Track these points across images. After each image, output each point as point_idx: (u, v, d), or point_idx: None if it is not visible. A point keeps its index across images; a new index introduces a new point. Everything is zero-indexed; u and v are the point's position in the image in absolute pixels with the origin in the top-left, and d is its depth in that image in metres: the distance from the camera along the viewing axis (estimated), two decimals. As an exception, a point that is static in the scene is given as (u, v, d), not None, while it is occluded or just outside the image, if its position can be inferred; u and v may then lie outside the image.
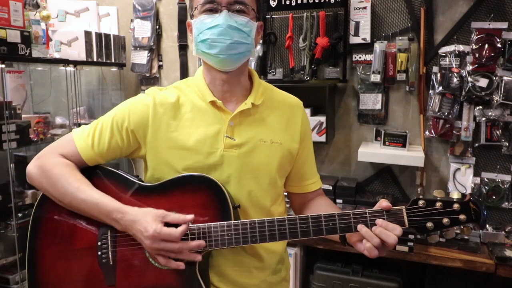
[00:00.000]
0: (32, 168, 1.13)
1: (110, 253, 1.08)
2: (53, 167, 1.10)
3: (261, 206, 1.16)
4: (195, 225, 1.03)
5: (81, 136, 1.14)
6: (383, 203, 1.02)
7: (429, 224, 0.99)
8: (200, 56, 1.13)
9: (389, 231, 0.98)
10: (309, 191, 1.29)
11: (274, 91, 1.25)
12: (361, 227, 1.00)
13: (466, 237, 2.11)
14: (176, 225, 1.00)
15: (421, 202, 1.01)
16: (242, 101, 1.15)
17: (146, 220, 1.00)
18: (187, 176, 1.08)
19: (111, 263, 1.08)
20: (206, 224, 1.03)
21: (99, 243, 1.09)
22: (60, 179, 1.08)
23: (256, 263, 1.16)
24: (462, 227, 1.00)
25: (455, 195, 1.01)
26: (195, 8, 1.10)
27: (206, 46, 1.08)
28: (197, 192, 1.07)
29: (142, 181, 1.14)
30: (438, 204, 1.00)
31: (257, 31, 1.15)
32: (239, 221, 1.03)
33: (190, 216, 1.01)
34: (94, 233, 1.10)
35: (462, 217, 0.98)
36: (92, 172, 1.15)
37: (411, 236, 2.08)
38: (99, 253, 1.09)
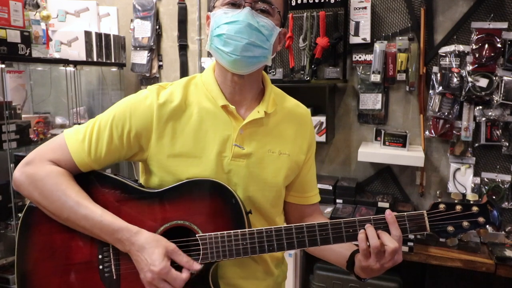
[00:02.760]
0: (19, 175, 1.01)
1: (113, 266, 1.00)
2: (46, 177, 0.99)
3: (267, 217, 1.11)
4: (206, 234, 0.97)
5: (75, 140, 1.02)
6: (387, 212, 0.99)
7: (450, 228, 0.98)
8: (212, 53, 1.04)
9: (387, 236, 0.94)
10: (309, 203, 1.21)
11: (285, 98, 1.18)
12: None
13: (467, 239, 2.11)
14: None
15: (441, 206, 0.99)
16: (253, 106, 1.08)
17: (155, 252, 0.92)
18: (194, 181, 1.01)
19: (114, 278, 1.00)
20: (218, 232, 0.97)
21: (100, 256, 1.00)
22: (56, 191, 0.98)
23: (262, 268, 1.12)
24: (480, 229, 1.00)
25: (470, 197, 0.99)
26: (220, 4, 1.02)
27: (220, 42, 0.99)
28: (206, 198, 1.00)
29: (143, 186, 1.07)
30: (458, 208, 0.98)
31: (279, 38, 1.07)
32: (254, 229, 0.97)
33: (198, 266, 0.95)
34: (94, 245, 1.01)
35: (481, 219, 0.97)
36: (87, 179, 1.04)
37: (411, 236, 2.08)
38: (101, 267, 1.00)
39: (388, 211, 0.98)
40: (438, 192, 1.03)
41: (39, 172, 1.00)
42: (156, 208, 1.01)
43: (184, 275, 0.93)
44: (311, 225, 0.97)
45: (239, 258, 0.98)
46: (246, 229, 0.97)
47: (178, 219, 1.00)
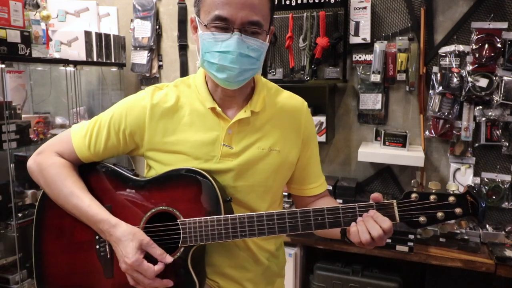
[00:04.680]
0: (32, 163, 1.15)
1: (107, 246, 1.10)
2: (50, 167, 1.11)
3: (256, 211, 1.11)
4: (186, 219, 1.04)
5: (78, 135, 1.14)
6: (374, 194, 1.00)
7: (422, 219, 0.95)
8: (205, 70, 1.09)
9: (376, 223, 0.95)
10: (311, 195, 1.25)
11: (279, 93, 1.20)
12: (352, 225, 0.99)
13: (466, 237, 2.11)
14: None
15: (413, 196, 0.96)
16: (243, 106, 1.12)
17: (130, 246, 1.00)
18: (178, 170, 1.08)
19: (108, 256, 1.10)
20: (197, 218, 1.04)
21: (97, 237, 1.10)
22: (56, 180, 1.10)
23: (248, 257, 1.17)
24: (459, 220, 0.94)
25: (452, 187, 0.94)
26: (205, 25, 1.01)
27: (213, 68, 1.03)
28: (188, 186, 1.07)
29: (137, 175, 1.15)
30: (432, 197, 0.95)
31: (268, 38, 1.08)
32: (229, 215, 1.03)
33: (170, 259, 1.02)
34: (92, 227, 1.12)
35: (458, 210, 0.93)
36: (86, 167, 1.16)
37: (411, 236, 2.08)
38: (97, 246, 1.10)
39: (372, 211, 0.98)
40: (412, 181, 1.01)
41: (45, 162, 1.13)
42: (145, 194, 1.10)
43: (157, 267, 1.01)
44: (280, 212, 1.02)
45: (221, 243, 1.07)
46: (222, 216, 1.03)
47: (163, 205, 1.08)
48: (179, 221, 1.05)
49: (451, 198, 0.94)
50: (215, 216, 1.03)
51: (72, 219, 1.12)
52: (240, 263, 1.16)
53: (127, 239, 1.01)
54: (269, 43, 1.12)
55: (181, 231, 1.04)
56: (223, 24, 0.99)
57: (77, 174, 1.14)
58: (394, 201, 0.98)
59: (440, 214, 0.94)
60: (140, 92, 1.15)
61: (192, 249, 1.05)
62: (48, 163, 1.12)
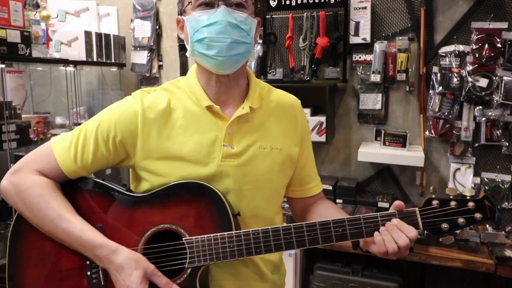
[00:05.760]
0: (6, 184, 1.01)
1: (100, 272, 0.99)
2: (30, 188, 0.98)
3: (264, 217, 1.08)
4: (193, 237, 0.96)
5: (61, 148, 1.02)
6: (396, 203, 0.97)
7: (444, 225, 0.94)
8: (195, 58, 1.04)
9: (402, 232, 0.92)
10: (311, 195, 1.20)
11: (271, 91, 1.16)
12: (377, 234, 0.95)
13: (466, 237, 2.11)
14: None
15: (435, 202, 0.95)
16: (239, 104, 1.06)
17: (134, 274, 0.92)
18: (181, 184, 0.99)
19: (102, 283, 0.99)
20: (205, 235, 0.96)
21: (88, 262, 1.00)
22: (39, 202, 0.97)
23: (254, 273, 1.10)
24: (476, 226, 0.95)
25: (467, 192, 0.94)
26: (189, 2, 1.00)
27: (203, 46, 0.98)
28: (193, 201, 0.99)
29: (131, 191, 1.06)
30: (453, 204, 0.94)
31: (256, 29, 1.05)
32: (241, 231, 0.96)
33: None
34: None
35: (477, 215, 0.92)
36: (72, 183, 1.04)
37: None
38: (88, 273, 1.00)
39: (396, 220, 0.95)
40: (431, 188, 0.99)
41: (25, 182, 0.99)
42: (143, 212, 1.00)
43: None
44: (298, 225, 0.96)
45: (227, 261, 0.97)
46: (233, 232, 0.96)
47: (165, 222, 0.99)
48: (185, 239, 0.96)
49: (471, 204, 0.93)
50: (226, 232, 0.95)
51: (56, 244, 1.01)
52: (245, 279, 1.08)
53: (130, 267, 0.93)
54: (257, 34, 1.10)
55: (187, 250, 0.96)
56: (207, 0, 0.98)
57: (62, 195, 1.01)
58: (417, 208, 0.96)
59: (461, 220, 0.93)
60: (127, 98, 1.07)
61: (200, 269, 0.97)
62: (28, 184, 0.99)
